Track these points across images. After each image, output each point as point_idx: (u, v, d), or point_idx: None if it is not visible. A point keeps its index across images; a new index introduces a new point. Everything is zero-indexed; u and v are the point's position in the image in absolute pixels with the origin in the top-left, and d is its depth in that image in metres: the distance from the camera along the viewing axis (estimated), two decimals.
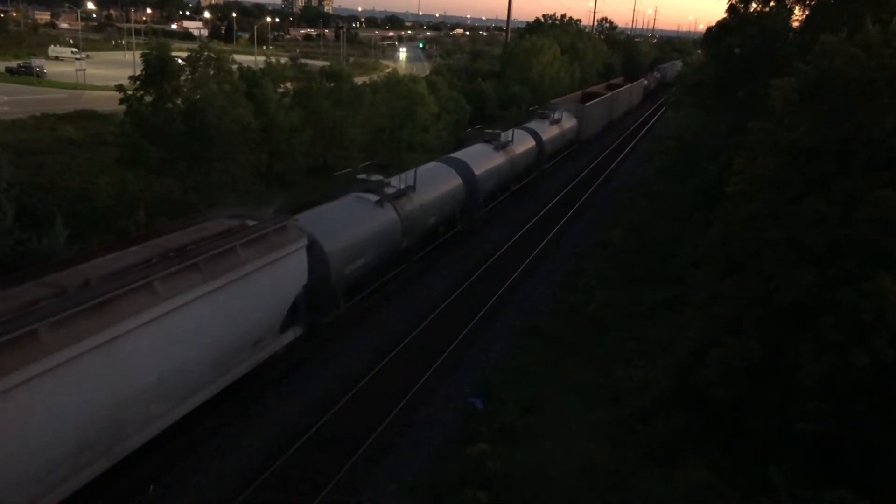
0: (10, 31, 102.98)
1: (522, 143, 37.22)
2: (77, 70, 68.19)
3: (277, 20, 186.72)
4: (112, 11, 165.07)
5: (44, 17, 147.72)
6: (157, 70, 28.41)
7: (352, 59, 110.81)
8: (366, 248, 20.89)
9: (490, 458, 14.61)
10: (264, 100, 32.99)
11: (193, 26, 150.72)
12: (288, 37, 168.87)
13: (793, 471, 11.84)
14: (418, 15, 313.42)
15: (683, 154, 30.80)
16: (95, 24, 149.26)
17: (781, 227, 13.13)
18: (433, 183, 26.31)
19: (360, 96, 40.47)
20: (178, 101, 29.06)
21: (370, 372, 18.55)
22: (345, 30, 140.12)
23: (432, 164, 29.25)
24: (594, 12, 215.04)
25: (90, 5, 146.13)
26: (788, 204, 13.34)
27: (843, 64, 13.15)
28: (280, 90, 36.12)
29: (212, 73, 30.20)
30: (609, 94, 63.90)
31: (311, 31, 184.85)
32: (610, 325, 21.67)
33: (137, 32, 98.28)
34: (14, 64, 74.82)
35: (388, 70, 62.57)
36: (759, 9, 25.89)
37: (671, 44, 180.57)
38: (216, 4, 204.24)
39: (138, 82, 28.97)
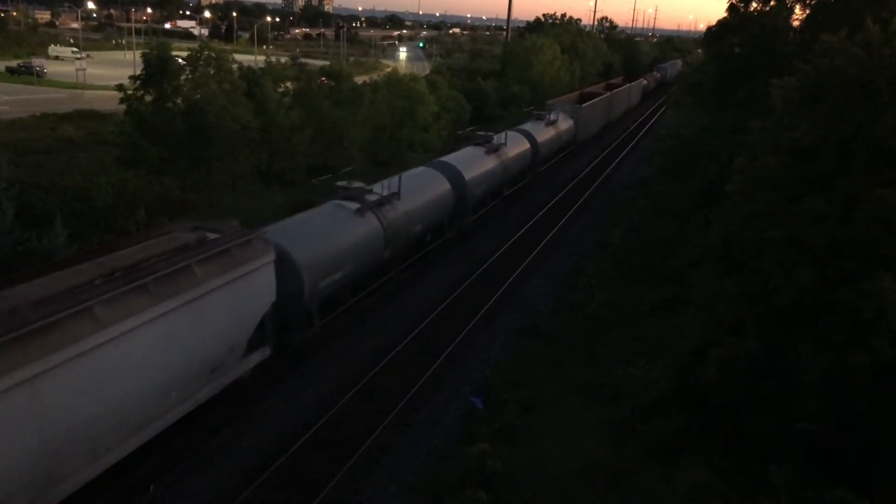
0: (11, 31, 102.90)
1: (516, 146, 35.99)
2: (77, 69, 68.13)
3: (277, 20, 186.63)
4: (112, 11, 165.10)
5: (44, 16, 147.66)
6: (157, 70, 28.46)
7: (352, 59, 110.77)
8: (344, 260, 19.81)
9: (490, 457, 14.60)
10: (264, 99, 33.04)
11: (187, 25, 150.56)
12: (288, 36, 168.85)
13: (793, 471, 11.83)
14: (419, 14, 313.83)
15: (683, 153, 30.78)
16: (96, 23, 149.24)
17: (781, 227, 13.13)
18: (419, 189, 25.29)
19: (361, 96, 40.53)
20: (179, 101, 29.11)
21: (370, 372, 18.54)
22: (345, 29, 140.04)
23: (419, 168, 28.07)
24: (594, 11, 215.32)
25: (90, 5, 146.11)
26: (788, 203, 13.34)
27: (844, 63, 13.14)
28: (280, 90, 36.16)
29: (212, 72, 30.24)
30: (607, 94, 63.09)
31: (311, 30, 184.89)
32: (610, 325, 21.66)
33: (138, 32, 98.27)
34: (14, 63, 74.82)
35: (388, 69, 62.54)
36: (759, 8, 25.90)
37: (671, 43, 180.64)
38: (216, 4, 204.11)
39: (138, 82, 29.01)
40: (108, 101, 45.93)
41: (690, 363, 14.81)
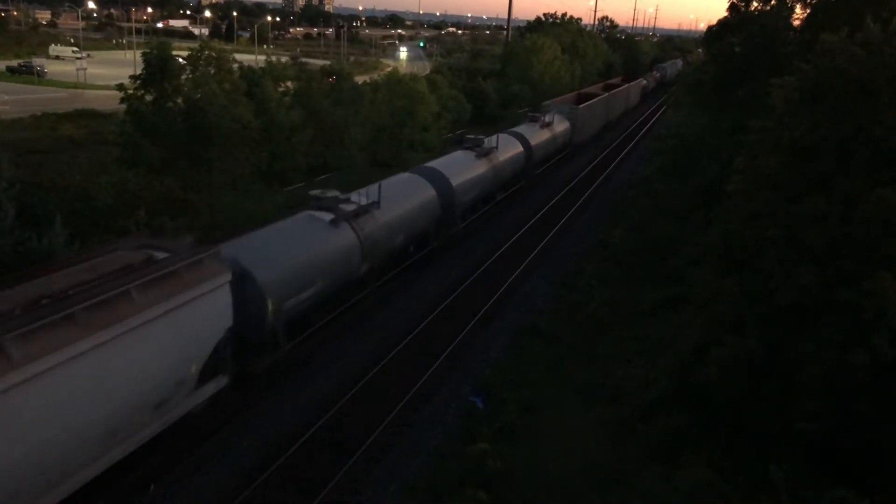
0: (11, 31, 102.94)
1: (508, 149, 34.53)
2: (77, 69, 68.14)
3: (278, 19, 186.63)
4: (112, 10, 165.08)
5: (44, 16, 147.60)
6: (157, 69, 28.39)
7: (352, 58, 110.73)
8: (315, 276, 18.30)
9: (490, 457, 14.61)
10: (265, 99, 33.03)
11: (180, 25, 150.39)
12: (288, 36, 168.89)
13: (793, 470, 11.83)
14: (419, 14, 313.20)
15: (684, 153, 30.77)
16: (96, 23, 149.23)
17: (782, 226, 13.13)
18: (402, 197, 23.81)
19: (361, 95, 40.54)
20: (179, 101, 29.03)
21: (370, 372, 18.53)
22: (345, 29, 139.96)
23: (402, 175, 26.58)
24: (595, 11, 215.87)
25: (91, 4, 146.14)
26: (789, 203, 13.33)
27: (844, 63, 13.13)
28: (280, 89, 36.16)
29: (212, 72, 30.19)
30: (605, 94, 62.06)
31: (311, 30, 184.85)
32: (610, 325, 21.65)
33: (138, 31, 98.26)
34: (15, 63, 74.82)
35: (388, 69, 62.53)
36: (760, 7, 25.91)
37: (672, 42, 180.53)
38: (217, 3, 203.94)
39: (139, 81, 28.96)
40: (109, 101, 45.88)
41: (691, 362, 14.81)
